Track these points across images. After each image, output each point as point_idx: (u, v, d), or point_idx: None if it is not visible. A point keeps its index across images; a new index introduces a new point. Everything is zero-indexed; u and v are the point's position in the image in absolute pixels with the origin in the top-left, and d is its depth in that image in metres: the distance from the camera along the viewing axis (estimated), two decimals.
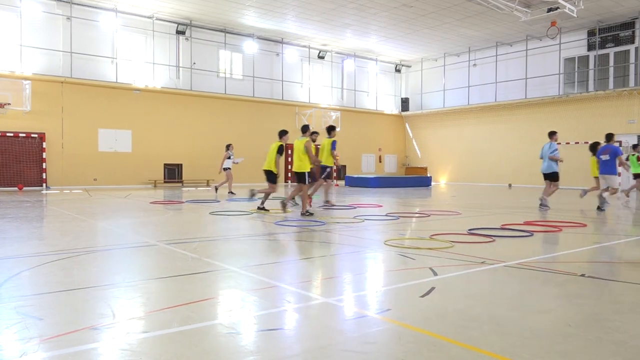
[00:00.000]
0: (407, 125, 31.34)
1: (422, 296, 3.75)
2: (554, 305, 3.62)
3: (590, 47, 22.94)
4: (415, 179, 24.96)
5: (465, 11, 20.80)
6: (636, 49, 21.50)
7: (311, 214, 9.42)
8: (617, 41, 22.13)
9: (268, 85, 25.66)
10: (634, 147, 16.03)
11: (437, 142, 29.53)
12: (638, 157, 15.59)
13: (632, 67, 21.82)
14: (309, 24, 22.93)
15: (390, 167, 31.08)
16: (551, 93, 23.91)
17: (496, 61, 26.19)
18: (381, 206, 11.96)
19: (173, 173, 22.57)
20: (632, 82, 21.68)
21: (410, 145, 31.33)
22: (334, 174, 13.16)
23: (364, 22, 22.66)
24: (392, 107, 31.11)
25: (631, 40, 21.67)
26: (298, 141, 10.03)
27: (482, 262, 5.01)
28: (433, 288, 3.98)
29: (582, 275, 4.52)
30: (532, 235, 6.97)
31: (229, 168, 16.82)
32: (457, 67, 28.22)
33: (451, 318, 3.24)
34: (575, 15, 18.87)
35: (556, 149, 11.77)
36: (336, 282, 4.36)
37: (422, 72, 30.11)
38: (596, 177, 13.51)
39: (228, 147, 17.09)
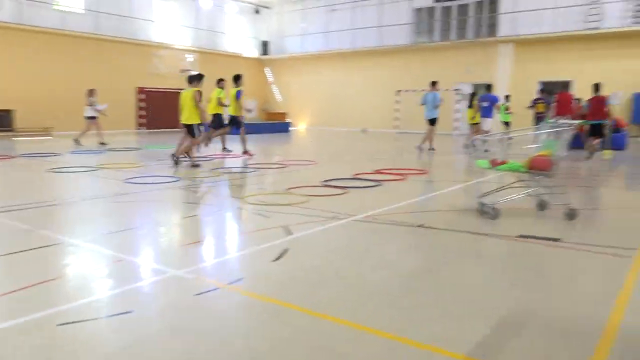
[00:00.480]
0: (267, 69, 30.98)
1: (275, 260, 3.81)
2: (395, 259, 3.93)
3: None
4: (275, 125, 25.10)
5: None
6: (475, 3, 23.40)
7: (197, 166, 9.44)
8: None
9: (116, 21, 23.26)
10: (506, 97, 18.29)
11: (297, 87, 29.76)
12: (507, 107, 17.71)
13: (470, 21, 23.80)
14: None
15: (250, 112, 30.70)
16: (402, 42, 25.23)
17: (353, 7, 26.71)
18: (239, 156, 11.84)
19: (1, 120, 19.75)
20: (469, 34, 23.73)
21: (270, 90, 31.17)
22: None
23: None
24: (252, 50, 30.37)
25: None
26: (186, 91, 9.78)
27: (333, 217, 5.24)
28: (286, 250, 4.07)
29: (420, 225, 4.96)
30: (380, 184, 7.45)
31: (93, 117, 15.23)
32: (317, 11, 28.26)
33: (301, 283, 3.35)
34: None
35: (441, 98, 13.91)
36: (188, 251, 4.23)
37: (283, 15, 29.64)
38: (472, 124, 14.83)
39: (91, 92, 15.40)
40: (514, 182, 5.54)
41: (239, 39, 29.44)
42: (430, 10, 24.95)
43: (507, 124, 18.89)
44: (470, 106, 14.91)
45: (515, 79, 22.15)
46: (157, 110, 24.68)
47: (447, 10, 24.42)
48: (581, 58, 20.97)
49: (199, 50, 26.58)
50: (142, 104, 24.41)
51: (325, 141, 19.16)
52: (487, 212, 5.21)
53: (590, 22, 20.60)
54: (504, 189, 5.59)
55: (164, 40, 25.20)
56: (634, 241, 4.42)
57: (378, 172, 8.94)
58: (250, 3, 29.61)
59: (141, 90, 24.30)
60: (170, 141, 16.11)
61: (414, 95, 24.33)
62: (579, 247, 4.24)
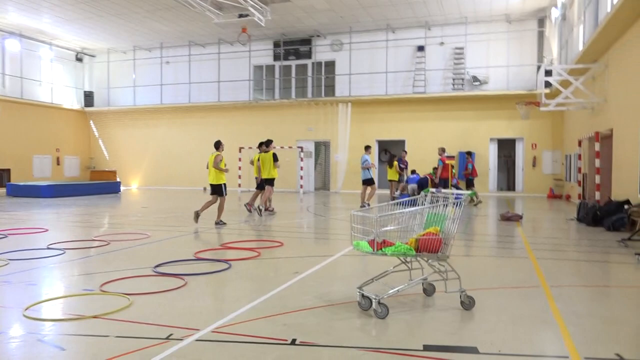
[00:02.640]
0: (91, 122, 27.62)
1: None
2: None
3: (276, 57, 24.36)
4: (102, 185, 21.99)
5: (156, 3, 19.13)
6: (313, 63, 23.80)
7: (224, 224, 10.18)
8: (298, 55, 24.09)
9: None
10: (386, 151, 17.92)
11: (127, 143, 26.91)
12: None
13: (309, 80, 24.09)
14: None
15: (71, 171, 26.82)
16: (242, 98, 24.46)
17: (189, 61, 25.36)
18: (46, 230, 9.30)
19: None
20: (309, 93, 23.93)
21: (96, 146, 27.73)
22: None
23: None
24: (73, 101, 26.89)
25: (309, 55, 23.88)
26: (267, 154, 12.35)
27: (167, 339, 3.57)
28: None
29: (293, 342, 3.57)
30: (229, 266, 5.95)
31: None
32: (149, 62, 26.26)
33: None
34: (263, 24, 19.45)
35: (367, 160, 14.21)
36: None
37: (110, 64, 26.96)
38: (391, 181, 16.19)
39: None
40: (397, 265, 4.51)
41: (57, 89, 25.85)
42: (270, 68, 24.76)
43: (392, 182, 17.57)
44: (391, 167, 15.97)
45: (354, 138, 22.66)
46: None
47: (286, 69, 24.46)
48: (410, 119, 22.30)
49: (2, 99, 22.50)
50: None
51: (161, 201, 16.96)
52: (375, 310, 4.04)
53: (417, 86, 22.15)
54: (384, 275, 4.52)
55: None
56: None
57: (225, 246, 7.43)
58: (70, 49, 26.43)
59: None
60: None
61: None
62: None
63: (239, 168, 22.72)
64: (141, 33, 23.50)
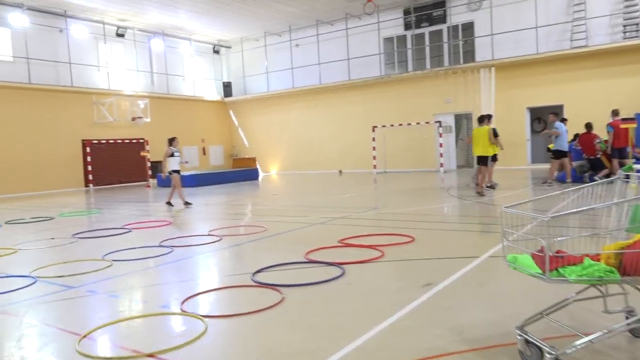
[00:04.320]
0: (231, 112, 28.58)
1: None
2: None
3: (407, 26, 22.51)
4: (241, 173, 22.47)
5: None
6: (448, 28, 21.51)
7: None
8: (431, 20, 21.96)
9: (52, 68, 20.74)
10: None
11: (264, 130, 27.33)
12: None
13: (445, 47, 21.85)
14: None
15: (216, 160, 28.11)
16: (373, 74, 23.11)
17: (318, 41, 24.68)
18: (168, 223, 9.10)
19: None
20: (446, 62, 21.72)
21: (236, 134, 28.68)
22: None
23: None
24: (213, 92, 28.02)
25: (443, 19, 21.62)
26: (481, 129, 11.43)
27: None
28: None
29: None
30: (342, 272, 4.78)
31: (177, 171, 12.11)
32: (280, 47, 26.18)
33: None
34: None
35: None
36: None
37: (243, 54, 27.51)
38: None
39: (171, 141, 12.28)
40: (581, 291, 2.92)
41: (198, 82, 27.10)
42: (401, 39, 22.99)
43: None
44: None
45: (500, 107, 20.01)
46: (105, 164, 21.96)
47: (419, 38, 22.49)
48: (569, 80, 18.97)
49: (152, 95, 24.09)
50: (89, 158, 21.61)
51: (294, 188, 16.57)
52: None
53: (575, 40, 18.72)
54: (561, 307, 2.96)
55: (112, 86, 22.69)
56: None
57: (344, 242, 6.29)
58: (208, 43, 27.45)
59: (87, 143, 21.56)
60: (111, 201, 13.33)
61: (391, 130, 22.06)
62: None
63: (373, 148, 21.51)
64: (270, 17, 23.36)
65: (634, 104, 17.34)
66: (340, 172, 24.06)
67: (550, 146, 13.07)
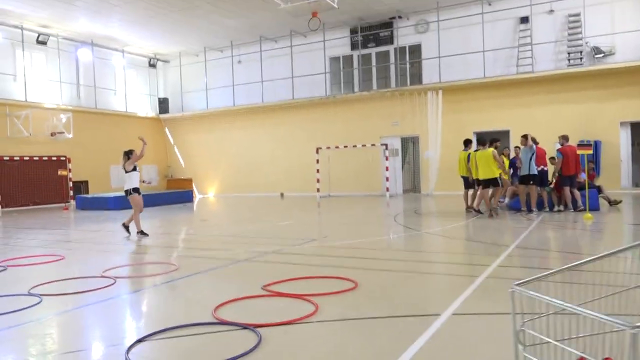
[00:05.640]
0: (167, 129, 26.71)
1: None
2: None
3: (354, 45, 21.77)
4: (174, 195, 20.65)
5: None
6: (395, 49, 20.90)
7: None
8: (378, 41, 21.32)
9: None
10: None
11: (202, 149, 25.64)
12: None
13: (392, 68, 21.22)
14: None
15: (150, 180, 26.06)
16: (318, 93, 22.12)
17: (261, 58, 23.50)
18: (61, 258, 7.40)
19: None
20: (393, 83, 21.06)
21: (172, 153, 26.79)
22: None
23: (100, 0, 17.60)
24: (147, 108, 26.13)
25: (391, 40, 21.03)
26: (484, 152, 11.19)
27: None
28: None
29: None
30: (258, 342, 3.43)
31: (138, 190, 9.83)
32: (221, 63, 24.79)
33: None
34: (336, 6, 16.98)
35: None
36: None
37: (182, 69, 25.90)
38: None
39: (129, 154, 9.89)
40: None
41: (132, 96, 25.16)
42: (348, 58, 22.20)
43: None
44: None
45: (447, 131, 19.45)
46: (18, 183, 19.58)
47: (366, 59, 21.77)
48: (515, 105, 18.70)
49: (77, 109, 21.97)
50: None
51: (226, 215, 15.04)
52: None
53: (522, 65, 18.53)
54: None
55: (29, 98, 20.43)
56: None
57: (269, 290, 4.95)
58: (143, 56, 25.67)
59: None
60: (12, 227, 11.10)
61: (336, 152, 21.02)
62: None
63: (317, 171, 20.36)
64: (210, 31, 22.00)
65: (577, 131, 17.15)
66: (282, 195, 22.73)
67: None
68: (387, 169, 19.54)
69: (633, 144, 17.93)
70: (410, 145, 21.36)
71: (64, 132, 20.77)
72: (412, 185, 21.44)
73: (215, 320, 3.98)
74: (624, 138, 17.49)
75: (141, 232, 9.55)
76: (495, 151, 11.33)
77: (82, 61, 22.61)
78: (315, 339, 3.56)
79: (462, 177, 12.65)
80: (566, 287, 4.23)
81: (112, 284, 5.47)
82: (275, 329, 3.73)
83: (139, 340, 3.53)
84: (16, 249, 8.75)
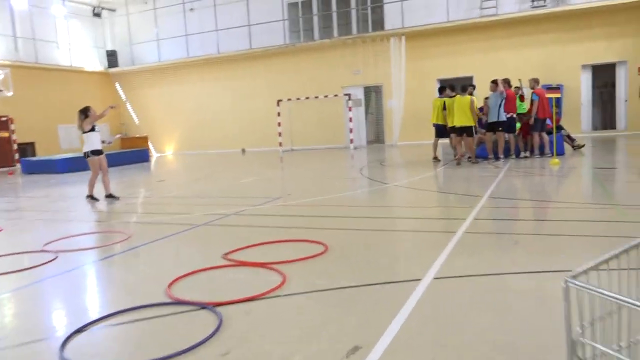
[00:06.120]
0: (117, 85, 25.18)
1: None
2: None
3: None
4: (129, 154, 19.58)
5: None
6: None
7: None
8: None
9: None
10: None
11: (157, 105, 24.37)
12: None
13: (353, 13, 20.33)
14: None
15: (110, 140, 24.65)
16: (277, 42, 21.08)
17: (215, 5, 22.09)
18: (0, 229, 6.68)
19: None
20: (354, 30, 20.24)
21: (124, 110, 25.40)
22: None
23: None
24: (95, 62, 24.44)
25: None
26: (462, 98, 10.79)
27: None
28: None
29: None
30: (219, 326, 2.98)
31: (99, 151, 8.70)
32: (172, 11, 23.21)
33: None
34: None
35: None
36: None
37: (129, 18, 24.17)
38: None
39: (86, 112, 8.63)
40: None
41: (76, 49, 23.41)
42: (306, 4, 21.11)
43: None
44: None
45: (411, 79, 18.96)
46: None
47: (326, 4, 20.74)
48: (479, 50, 18.31)
49: (16, 64, 20.24)
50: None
51: (184, 174, 14.33)
52: None
53: (485, 8, 18.01)
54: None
55: None
56: None
57: (230, 259, 4.47)
58: (86, 4, 23.75)
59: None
60: None
61: (297, 104, 20.29)
62: None
63: (279, 124, 19.66)
64: None
65: (539, 75, 16.88)
66: (243, 151, 22.01)
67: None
68: (350, 120, 19.03)
69: (593, 88, 17.96)
70: (373, 95, 20.83)
71: (2, 90, 19.18)
72: (376, 136, 21.08)
73: (169, 300, 3.49)
74: (585, 81, 17.47)
75: (110, 196, 8.82)
76: (475, 99, 10.95)
77: (17, 10, 20.68)
78: (284, 317, 3.14)
79: (435, 124, 12.17)
80: (622, 275, 3.93)
81: (53, 259, 4.87)
82: (238, 307, 3.28)
83: (77, 331, 3.02)
84: None
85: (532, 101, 10.82)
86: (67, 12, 22.68)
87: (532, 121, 10.80)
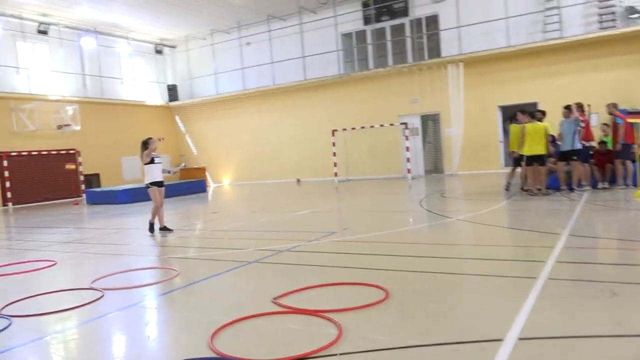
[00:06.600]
0: (177, 117, 25.93)
1: None
2: None
3: (367, 20, 20.56)
4: (187, 185, 19.85)
5: None
6: (411, 22, 19.67)
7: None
8: (392, 13, 20.06)
9: None
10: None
11: (215, 136, 24.83)
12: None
13: (408, 41, 20.00)
14: None
15: (170, 170, 25.32)
16: (331, 73, 21.03)
17: (270, 38, 22.45)
18: (53, 264, 6.62)
19: None
20: (409, 58, 19.86)
21: (183, 142, 26.04)
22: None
23: None
24: (156, 96, 25.33)
25: (405, 12, 19.77)
26: (534, 125, 10.16)
27: None
28: None
29: None
30: None
31: (159, 183, 8.85)
32: (229, 46, 23.79)
33: None
34: None
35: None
36: None
37: (189, 54, 25.00)
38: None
39: (146, 144, 8.77)
40: None
41: (139, 85, 24.38)
42: (361, 34, 21.01)
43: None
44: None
45: (469, 106, 18.27)
46: (27, 179, 19.03)
47: (380, 33, 20.56)
48: (542, 75, 17.40)
49: (83, 100, 21.27)
50: (6, 173, 18.61)
51: (239, 205, 14.23)
52: None
53: (548, 31, 17.18)
54: None
55: (33, 90, 19.77)
56: None
57: (280, 304, 4.07)
58: (149, 42, 24.80)
59: (4, 156, 18.58)
60: (19, 225, 10.41)
61: (352, 134, 19.99)
62: None
63: (334, 154, 19.40)
64: (216, 13, 21.03)
65: (611, 99, 15.76)
66: (299, 181, 21.86)
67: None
68: (407, 149, 18.48)
69: None
70: (430, 123, 20.22)
71: (70, 125, 20.11)
72: (434, 166, 20.36)
73: (212, 356, 3.11)
74: None
75: (164, 228, 8.77)
76: (548, 125, 10.22)
77: (86, 50, 21.84)
78: None
79: (513, 152, 11.18)
80: None
81: (99, 298, 4.65)
82: None
83: None
84: (9, 254, 8.04)
85: (615, 125, 9.89)
86: (132, 50, 23.75)
87: (618, 147, 9.82)
